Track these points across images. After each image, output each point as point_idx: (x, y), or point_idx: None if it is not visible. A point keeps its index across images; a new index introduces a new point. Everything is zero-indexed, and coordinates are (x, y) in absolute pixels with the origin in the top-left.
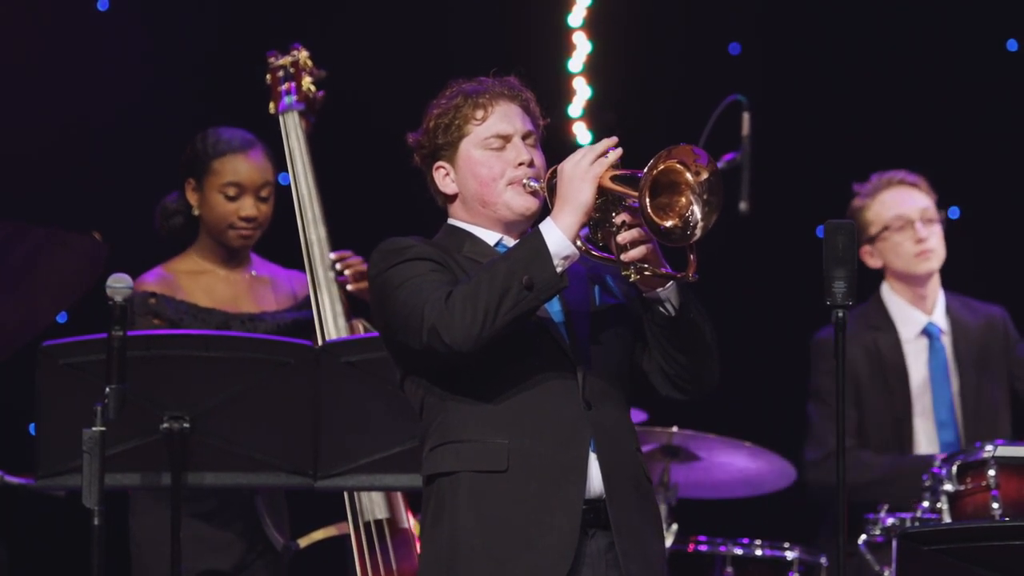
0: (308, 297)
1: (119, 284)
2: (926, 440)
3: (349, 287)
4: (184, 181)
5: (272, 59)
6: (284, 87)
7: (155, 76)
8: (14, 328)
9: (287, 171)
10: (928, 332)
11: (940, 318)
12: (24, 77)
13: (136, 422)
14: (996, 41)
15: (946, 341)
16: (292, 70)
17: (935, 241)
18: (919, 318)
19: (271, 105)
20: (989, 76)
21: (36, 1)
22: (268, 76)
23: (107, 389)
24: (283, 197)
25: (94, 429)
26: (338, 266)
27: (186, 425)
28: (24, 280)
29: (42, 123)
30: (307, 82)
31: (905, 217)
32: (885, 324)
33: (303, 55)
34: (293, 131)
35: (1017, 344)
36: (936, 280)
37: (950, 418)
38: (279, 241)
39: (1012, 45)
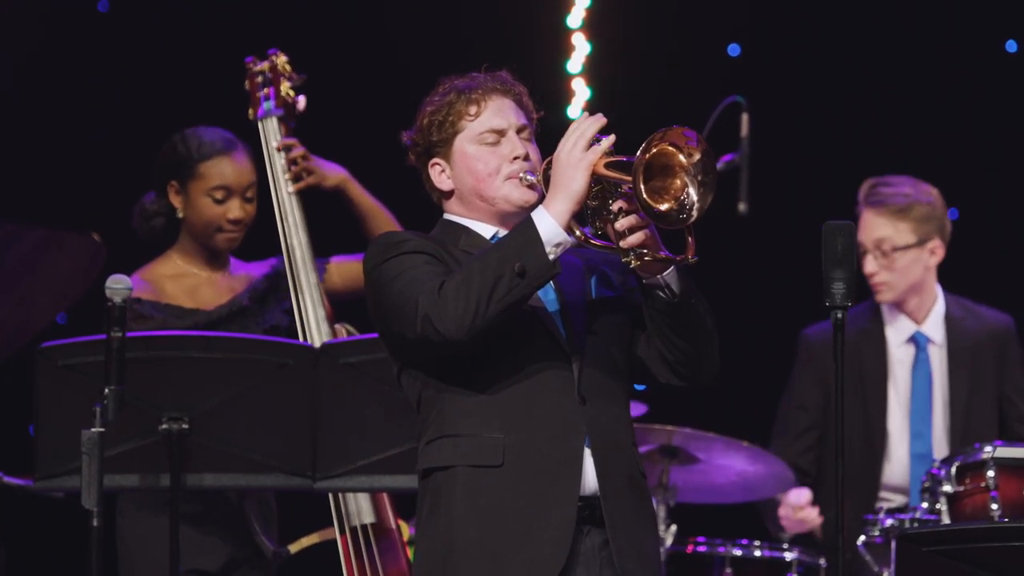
0: (263, 273)
1: (118, 285)
2: (896, 449)
3: (292, 188)
4: (165, 183)
5: (250, 64)
6: (262, 93)
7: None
8: (12, 329)
9: (267, 177)
10: (915, 341)
11: (933, 327)
12: (21, 76)
13: (135, 423)
14: (996, 41)
15: (936, 352)
16: (270, 75)
17: (886, 274)
18: (908, 326)
19: (250, 111)
20: (989, 76)
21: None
22: (246, 82)
23: (106, 390)
24: (262, 201)
25: (93, 430)
26: (284, 155)
27: (185, 426)
28: (22, 281)
29: (40, 122)
30: (286, 87)
31: (862, 245)
32: (875, 328)
33: (281, 60)
34: (272, 137)
35: (1015, 364)
36: (929, 289)
37: (926, 430)
38: (259, 243)
39: (1012, 46)
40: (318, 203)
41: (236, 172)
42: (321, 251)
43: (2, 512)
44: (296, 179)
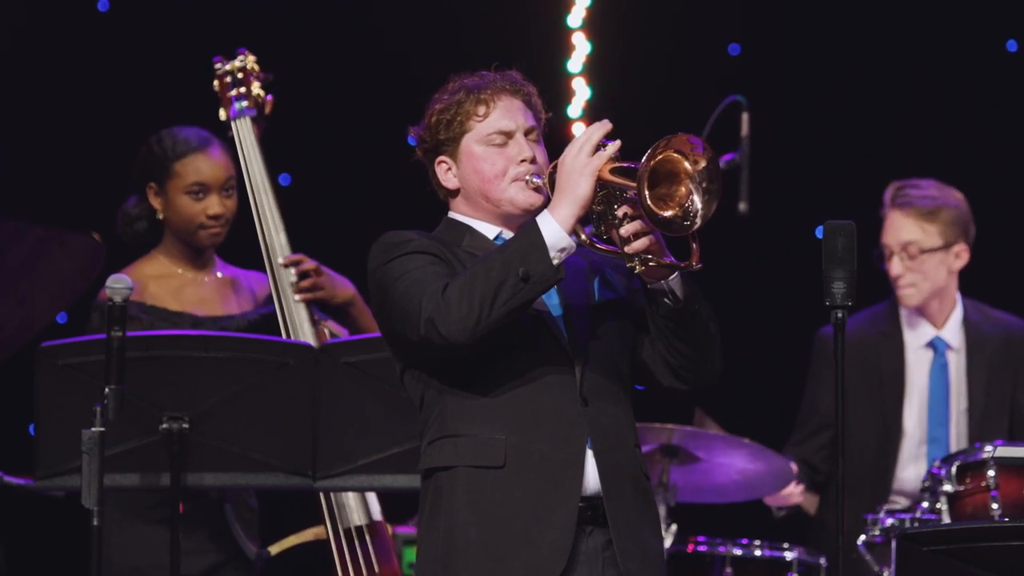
0: (268, 296)
1: (118, 284)
2: (911, 453)
3: (299, 297)
4: (144, 186)
5: (218, 65)
6: (233, 93)
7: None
8: (12, 329)
9: (243, 178)
10: (933, 346)
11: (952, 332)
12: (22, 76)
13: (135, 422)
14: (996, 41)
15: (954, 357)
16: (240, 75)
17: (913, 276)
18: (927, 330)
19: (221, 112)
20: (989, 76)
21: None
22: (216, 82)
23: (106, 390)
24: (240, 203)
25: (93, 430)
26: (293, 272)
27: (185, 425)
28: (22, 280)
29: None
30: (256, 87)
31: (888, 247)
32: (893, 330)
33: (250, 59)
34: (247, 137)
35: None
36: (950, 293)
37: (943, 435)
38: (238, 243)
39: (1012, 45)
40: (297, 203)
41: (212, 168)
42: (302, 249)
43: (2, 512)
44: (306, 289)
